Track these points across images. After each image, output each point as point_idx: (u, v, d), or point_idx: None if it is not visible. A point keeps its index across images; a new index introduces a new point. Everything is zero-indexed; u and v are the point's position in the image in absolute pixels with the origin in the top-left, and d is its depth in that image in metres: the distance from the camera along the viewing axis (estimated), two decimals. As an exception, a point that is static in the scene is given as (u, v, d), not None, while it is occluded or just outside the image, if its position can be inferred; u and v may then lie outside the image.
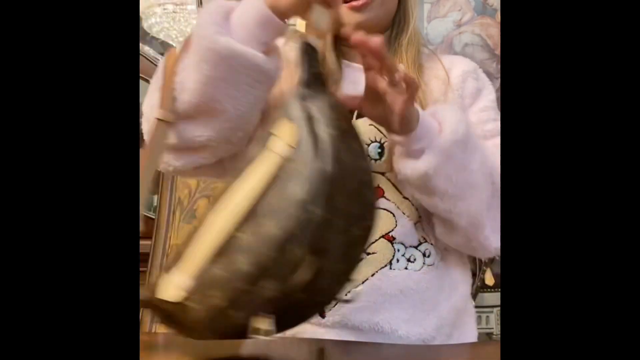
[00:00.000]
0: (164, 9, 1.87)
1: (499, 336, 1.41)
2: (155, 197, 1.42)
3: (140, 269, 1.17)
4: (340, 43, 0.81)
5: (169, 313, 0.53)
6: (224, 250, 0.50)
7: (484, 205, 0.71)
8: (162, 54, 1.82)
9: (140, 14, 1.84)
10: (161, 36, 1.90)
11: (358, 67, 0.81)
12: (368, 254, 0.75)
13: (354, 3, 0.77)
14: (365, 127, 0.77)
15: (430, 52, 0.89)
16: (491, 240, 0.74)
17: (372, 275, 0.75)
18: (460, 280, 0.82)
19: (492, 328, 1.70)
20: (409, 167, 0.68)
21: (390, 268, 0.75)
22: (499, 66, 1.82)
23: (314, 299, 0.53)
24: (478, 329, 0.86)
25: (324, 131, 0.52)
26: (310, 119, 0.52)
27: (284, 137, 0.51)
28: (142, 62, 1.70)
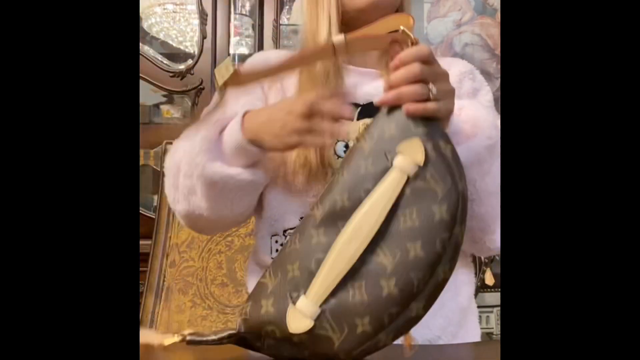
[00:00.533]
0: (164, 9, 1.87)
1: (499, 336, 1.41)
2: (155, 197, 1.42)
3: (140, 269, 1.18)
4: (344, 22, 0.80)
5: (296, 342, 0.52)
6: (360, 275, 0.50)
7: (498, 210, 0.71)
8: (162, 54, 1.82)
9: (140, 14, 1.84)
10: (161, 36, 1.90)
11: (355, 69, 0.81)
12: None
13: None
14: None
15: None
16: (497, 243, 0.74)
17: None
18: (465, 281, 0.83)
19: (492, 328, 1.70)
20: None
21: None
22: (499, 66, 1.83)
23: None
24: (478, 328, 0.86)
25: (445, 147, 0.51)
26: (430, 134, 0.51)
27: (412, 155, 0.50)
28: (142, 62, 1.71)
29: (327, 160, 0.73)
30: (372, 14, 0.72)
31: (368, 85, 0.80)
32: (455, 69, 0.84)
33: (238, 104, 0.74)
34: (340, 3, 0.76)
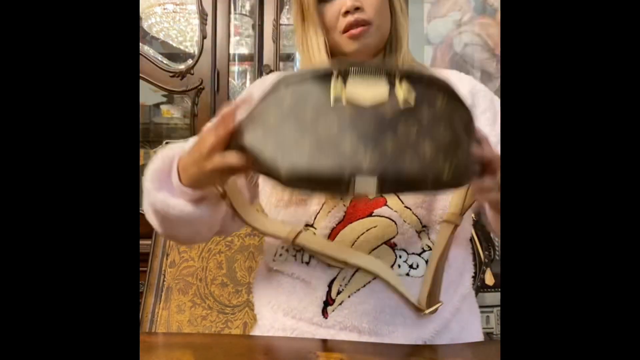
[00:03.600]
0: (164, 9, 1.87)
1: (499, 336, 1.41)
2: (155, 197, 1.41)
3: (140, 269, 1.17)
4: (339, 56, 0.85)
5: None
6: None
7: None
8: (162, 54, 1.83)
9: (140, 14, 1.84)
10: (161, 36, 1.90)
11: None
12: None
13: (352, 31, 0.80)
14: None
15: (420, 67, 0.89)
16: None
17: (374, 278, 0.76)
18: (461, 283, 0.83)
19: (492, 328, 1.70)
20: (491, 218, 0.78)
21: None
22: (499, 66, 1.83)
23: None
24: (477, 328, 0.86)
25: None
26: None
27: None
28: (142, 62, 1.71)
29: None
30: (359, 55, 0.81)
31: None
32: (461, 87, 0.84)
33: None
34: (329, 49, 0.83)
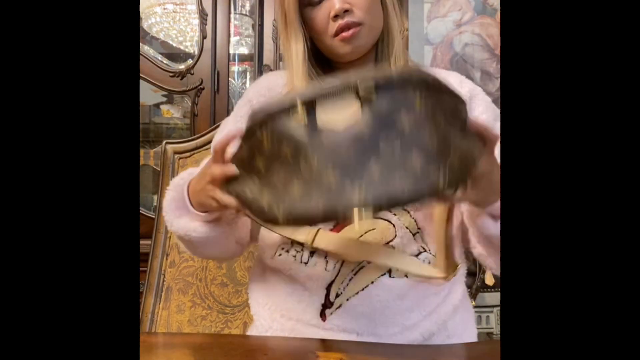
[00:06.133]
0: (164, 9, 1.87)
1: (499, 336, 1.41)
2: (155, 197, 1.42)
3: (140, 269, 1.17)
4: (333, 62, 0.85)
5: None
6: None
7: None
8: (162, 54, 1.83)
9: (140, 14, 1.85)
10: (161, 36, 1.91)
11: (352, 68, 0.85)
12: (368, 262, 0.78)
13: (343, 34, 0.79)
14: None
15: (415, 65, 0.89)
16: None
17: (372, 282, 0.76)
18: (457, 281, 0.83)
19: (492, 328, 1.70)
20: (494, 227, 0.69)
21: (390, 276, 0.76)
22: (499, 66, 1.83)
23: None
24: (478, 328, 0.86)
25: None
26: None
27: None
28: (142, 62, 1.71)
29: None
30: (352, 56, 0.81)
31: None
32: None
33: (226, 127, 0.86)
34: (309, 54, 0.83)
